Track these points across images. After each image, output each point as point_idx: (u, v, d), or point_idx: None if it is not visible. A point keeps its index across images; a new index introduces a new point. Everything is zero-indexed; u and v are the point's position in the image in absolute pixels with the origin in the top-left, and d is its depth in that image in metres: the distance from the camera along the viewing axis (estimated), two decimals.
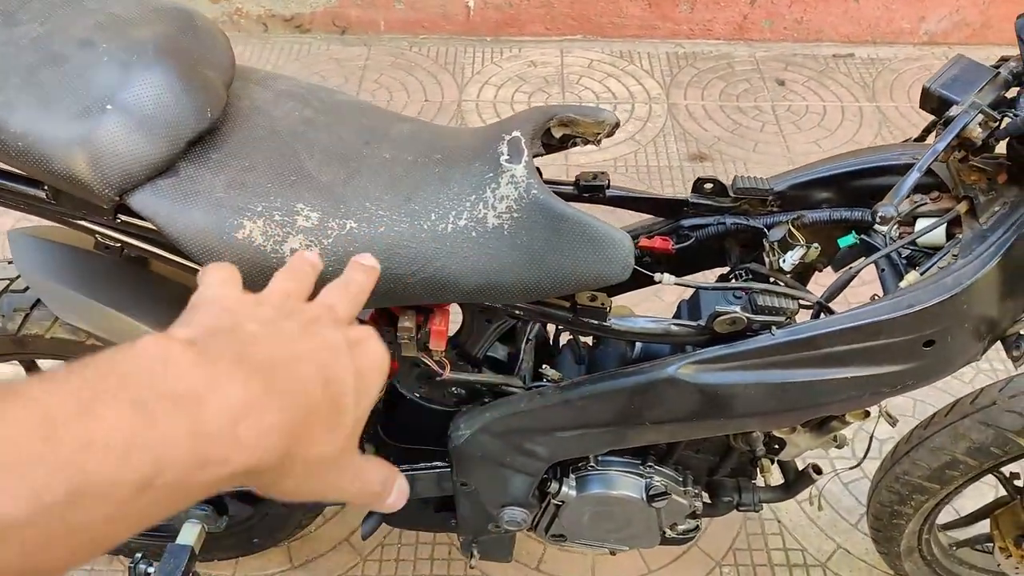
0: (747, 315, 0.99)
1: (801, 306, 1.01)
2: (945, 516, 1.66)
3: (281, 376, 0.41)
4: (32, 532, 0.31)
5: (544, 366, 1.17)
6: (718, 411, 1.04)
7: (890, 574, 1.71)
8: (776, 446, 1.22)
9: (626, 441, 1.12)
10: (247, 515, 1.54)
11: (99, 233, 1.00)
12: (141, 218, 0.93)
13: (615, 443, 1.12)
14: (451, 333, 1.11)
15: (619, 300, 1.17)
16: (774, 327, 1.00)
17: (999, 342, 1.05)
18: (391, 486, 0.52)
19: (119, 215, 0.97)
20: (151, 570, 1.23)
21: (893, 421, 1.34)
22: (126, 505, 0.34)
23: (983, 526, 1.57)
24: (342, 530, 1.78)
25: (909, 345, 0.97)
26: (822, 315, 1.03)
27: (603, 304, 1.00)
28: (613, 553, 1.46)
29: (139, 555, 1.26)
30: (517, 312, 1.02)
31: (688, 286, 1.04)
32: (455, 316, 1.06)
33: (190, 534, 1.29)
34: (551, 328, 1.35)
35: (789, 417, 1.05)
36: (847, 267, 1.05)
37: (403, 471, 1.27)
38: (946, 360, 1.00)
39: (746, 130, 2.88)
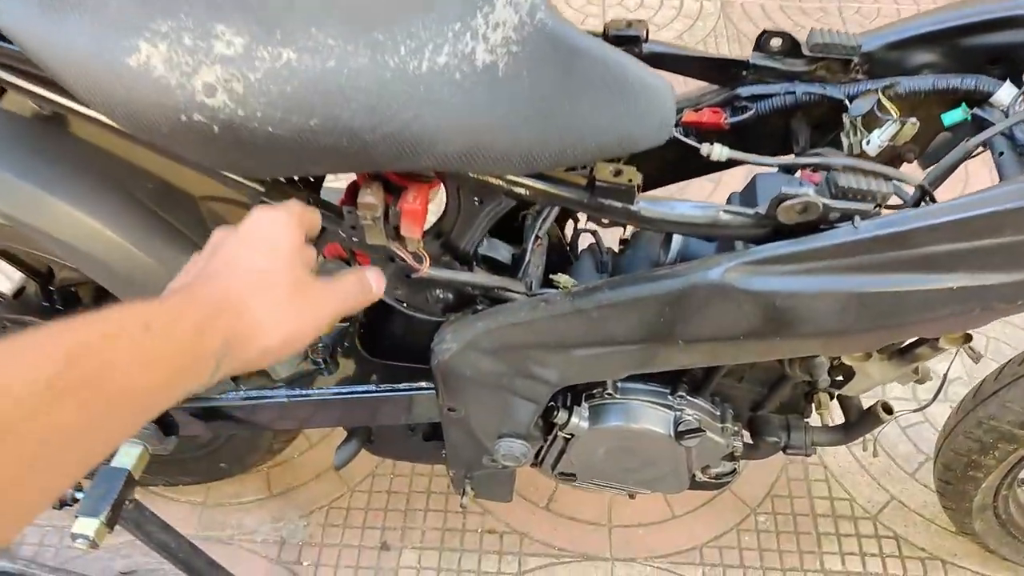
0: (823, 200, 0.74)
1: (896, 191, 0.75)
2: None
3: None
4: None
5: (557, 274, 0.93)
6: (776, 328, 0.79)
7: (950, 530, 1.48)
8: (841, 377, 0.98)
9: (653, 364, 0.88)
10: (209, 438, 1.34)
11: None
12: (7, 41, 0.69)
13: (639, 366, 0.89)
14: (436, 218, 0.88)
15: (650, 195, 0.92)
16: (858, 217, 0.75)
17: None
18: (366, 284, 0.66)
19: None
20: (79, 494, 1.04)
21: (977, 356, 1.09)
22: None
23: None
24: (328, 457, 1.57)
25: None
26: (923, 204, 0.77)
27: (631, 180, 0.75)
28: (632, 496, 1.25)
29: None
30: (515, 189, 0.77)
31: (747, 162, 0.79)
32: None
33: (128, 456, 1.09)
34: (569, 229, 1.11)
35: (869, 338, 0.80)
36: (957, 147, 0.79)
37: (384, 392, 1.07)
38: None
39: None
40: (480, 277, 0.88)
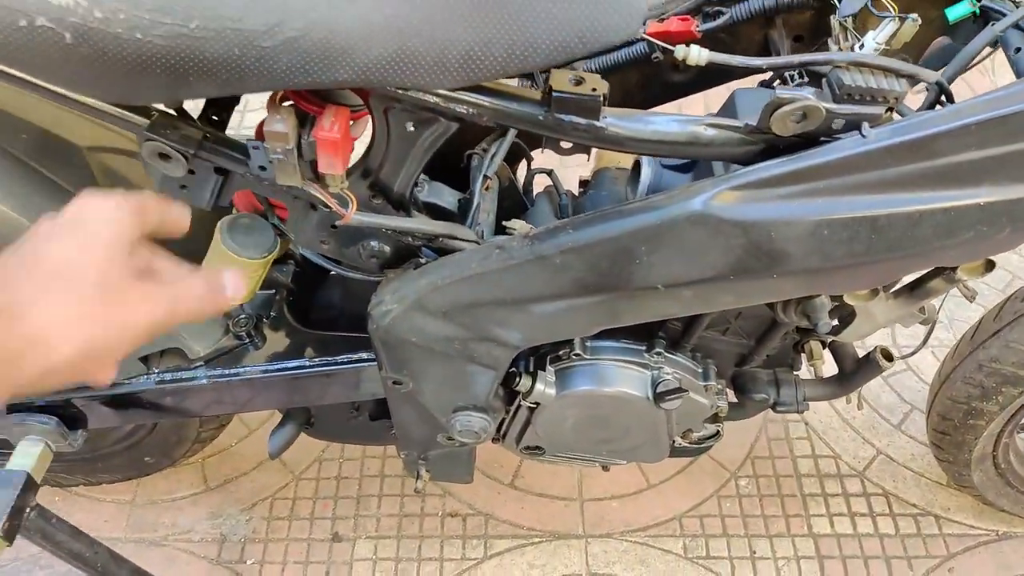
0: (826, 105, 0.61)
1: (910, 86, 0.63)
2: None
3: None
4: None
5: (511, 221, 0.80)
6: (772, 264, 0.67)
7: (941, 482, 1.40)
8: (838, 321, 0.86)
9: (629, 316, 0.76)
10: (128, 430, 1.19)
11: None
12: None
13: (612, 319, 0.76)
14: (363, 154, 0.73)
15: None
16: (866, 124, 0.62)
17: None
18: (217, 287, 0.53)
19: None
20: None
21: (971, 295, 0.98)
22: None
23: None
24: None
25: None
26: (938, 106, 0.65)
27: (594, 90, 0.62)
28: (606, 468, 1.13)
29: None
30: (455, 107, 0.63)
31: (729, 66, 0.65)
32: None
33: (26, 456, 0.94)
34: (522, 172, 0.98)
35: (881, 270, 0.68)
36: (980, 35, 0.67)
37: (319, 368, 0.93)
38: None
39: None
40: (420, 223, 0.74)
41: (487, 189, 0.84)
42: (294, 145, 0.63)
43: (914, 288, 0.80)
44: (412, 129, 0.67)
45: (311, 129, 0.63)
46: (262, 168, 0.69)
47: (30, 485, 0.92)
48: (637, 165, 0.83)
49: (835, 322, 0.86)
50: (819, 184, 0.64)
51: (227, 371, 0.93)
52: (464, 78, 0.59)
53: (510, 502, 1.38)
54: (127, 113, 0.68)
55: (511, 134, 0.84)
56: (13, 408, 0.97)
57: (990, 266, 0.74)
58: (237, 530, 1.34)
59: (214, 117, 0.73)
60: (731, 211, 0.66)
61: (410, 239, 0.76)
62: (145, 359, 0.93)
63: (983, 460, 1.20)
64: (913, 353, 1.11)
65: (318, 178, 0.68)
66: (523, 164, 0.97)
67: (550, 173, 0.95)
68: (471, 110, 0.63)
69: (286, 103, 0.64)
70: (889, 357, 0.93)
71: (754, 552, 1.33)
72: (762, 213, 0.65)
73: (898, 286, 0.82)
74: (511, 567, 1.30)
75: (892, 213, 0.64)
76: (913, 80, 0.63)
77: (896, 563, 1.32)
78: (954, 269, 0.76)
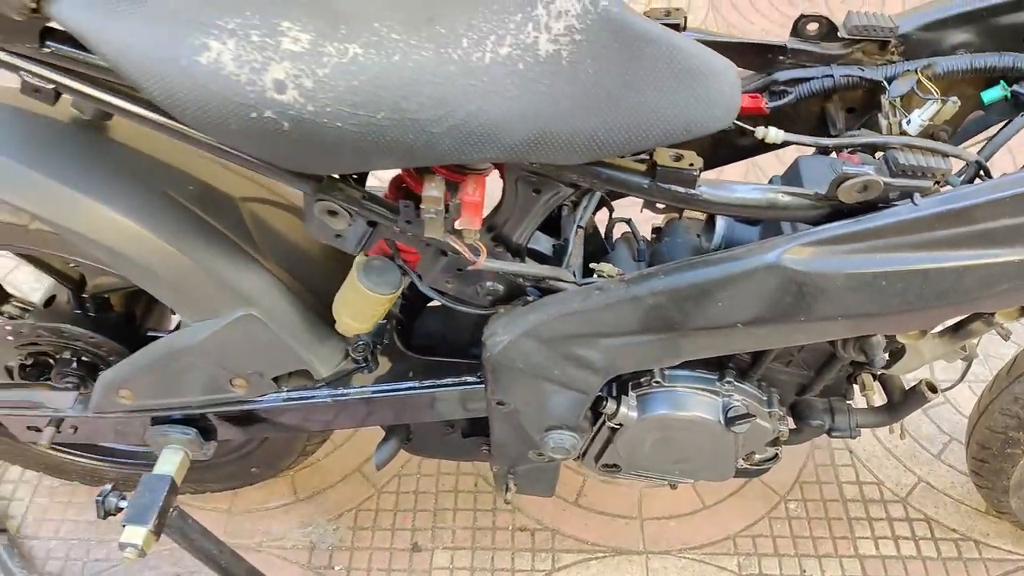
0: (884, 179, 0.74)
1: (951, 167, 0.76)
2: None
3: None
4: None
5: (599, 263, 0.93)
6: (835, 309, 0.80)
7: (980, 509, 1.50)
8: (889, 356, 0.98)
9: (708, 349, 0.89)
10: (241, 441, 1.33)
11: (24, 70, 0.75)
12: (75, 45, 0.68)
13: (694, 352, 0.89)
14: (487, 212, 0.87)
15: None
16: (918, 195, 0.75)
17: None
18: None
19: (47, 42, 0.72)
20: (123, 504, 1.03)
21: (1007, 334, 1.09)
22: None
23: None
24: (354, 459, 1.58)
25: None
26: (978, 180, 0.78)
27: (691, 164, 0.75)
28: (674, 487, 1.25)
29: (108, 487, 1.05)
30: (574, 177, 0.77)
31: (802, 143, 0.79)
32: (492, 193, 0.82)
33: (170, 463, 1.08)
34: (601, 219, 1.11)
35: (930, 315, 0.81)
36: (1005, 123, 0.80)
37: (426, 388, 1.06)
38: None
39: None
40: (533, 268, 0.88)
41: (577, 236, 0.98)
42: (443, 207, 0.77)
43: (957, 329, 0.92)
44: (535, 194, 0.81)
45: (456, 193, 0.78)
46: (408, 222, 0.83)
47: (173, 488, 1.07)
48: (711, 217, 0.97)
49: (888, 357, 0.98)
50: (877, 243, 0.77)
51: (347, 391, 1.07)
52: (586, 157, 0.72)
53: (575, 519, 1.50)
54: (299, 179, 0.82)
55: (599, 191, 0.98)
56: (157, 420, 1.11)
57: (1023, 311, 0.86)
58: (325, 538, 1.47)
59: (353, 177, 0.88)
60: (801, 264, 0.78)
61: (521, 280, 0.90)
62: (276, 379, 1.07)
63: (1020, 487, 1.29)
64: (952, 387, 1.22)
65: (454, 231, 0.82)
66: (603, 211, 1.10)
67: (628, 222, 1.08)
68: (588, 180, 0.77)
69: (436, 176, 0.78)
70: (934, 389, 1.04)
71: (804, 571, 1.43)
72: (828, 266, 0.78)
73: (942, 327, 0.94)
74: None
75: (940, 268, 0.76)
76: (958, 159, 0.76)
77: None
78: (993, 314, 0.88)
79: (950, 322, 0.92)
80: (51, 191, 0.89)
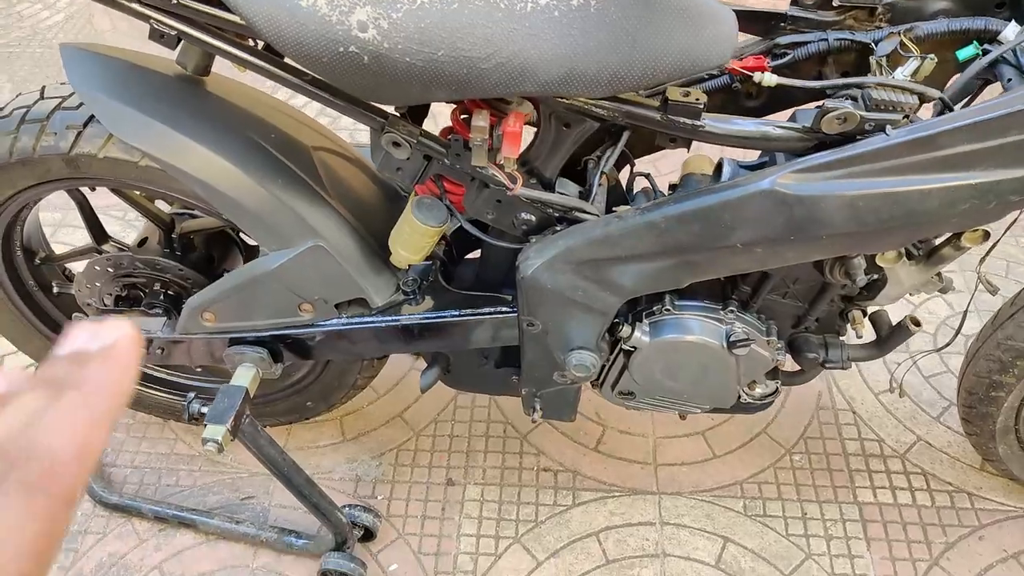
0: (860, 112, 0.89)
1: (921, 101, 0.90)
2: None
3: None
4: None
5: (619, 207, 1.08)
6: (820, 228, 0.94)
7: (975, 465, 1.61)
8: (872, 284, 1.11)
9: (713, 269, 1.03)
10: (300, 375, 1.49)
11: (153, 19, 0.93)
12: None
13: (700, 272, 1.03)
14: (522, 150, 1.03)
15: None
16: (889, 127, 0.89)
17: None
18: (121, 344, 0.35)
19: None
20: (204, 409, 1.19)
21: (994, 289, 1.22)
22: None
23: None
24: (396, 406, 1.73)
25: None
26: (944, 113, 0.92)
27: (697, 100, 0.90)
28: (683, 417, 1.38)
29: (191, 394, 1.21)
30: (599, 111, 0.92)
31: (793, 86, 0.94)
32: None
33: (244, 376, 1.24)
34: (624, 177, 1.26)
35: (901, 234, 0.94)
36: (971, 66, 0.94)
37: (465, 317, 1.21)
38: None
39: None
40: (562, 198, 1.03)
41: (601, 183, 1.13)
42: (487, 135, 0.93)
43: (930, 255, 1.05)
44: (565, 128, 0.96)
45: (499, 126, 0.93)
46: (457, 155, 0.99)
47: (247, 397, 1.22)
48: (719, 166, 1.11)
49: (870, 279, 1.09)
50: (855, 169, 0.91)
51: (397, 318, 1.23)
52: (610, 91, 0.88)
53: (594, 463, 1.63)
54: (370, 113, 0.98)
55: (621, 142, 1.12)
56: (234, 341, 1.27)
57: (986, 236, 0.99)
58: (369, 472, 1.62)
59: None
60: (791, 188, 0.93)
61: (551, 211, 1.05)
62: (338, 306, 1.23)
63: (1007, 433, 1.41)
64: (946, 345, 1.36)
65: (495, 162, 0.97)
66: (626, 170, 1.25)
67: (647, 176, 1.23)
68: (610, 113, 0.92)
69: (483, 110, 0.94)
70: (917, 323, 1.17)
71: (805, 513, 1.55)
72: (813, 190, 0.92)
73: (918, 254, 1.07)
74: (595, 513, 1.55)
75: (908, 191, 0.90)
76: (923, 96, 0.90)
77: (931, 529, 1.52)
78: (959, 236, 1.01)
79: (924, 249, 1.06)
80: (160, 133, 1.06)
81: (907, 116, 0.89)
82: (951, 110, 0.91)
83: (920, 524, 1.53)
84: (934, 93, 0.90)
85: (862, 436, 1.68)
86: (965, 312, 1.35)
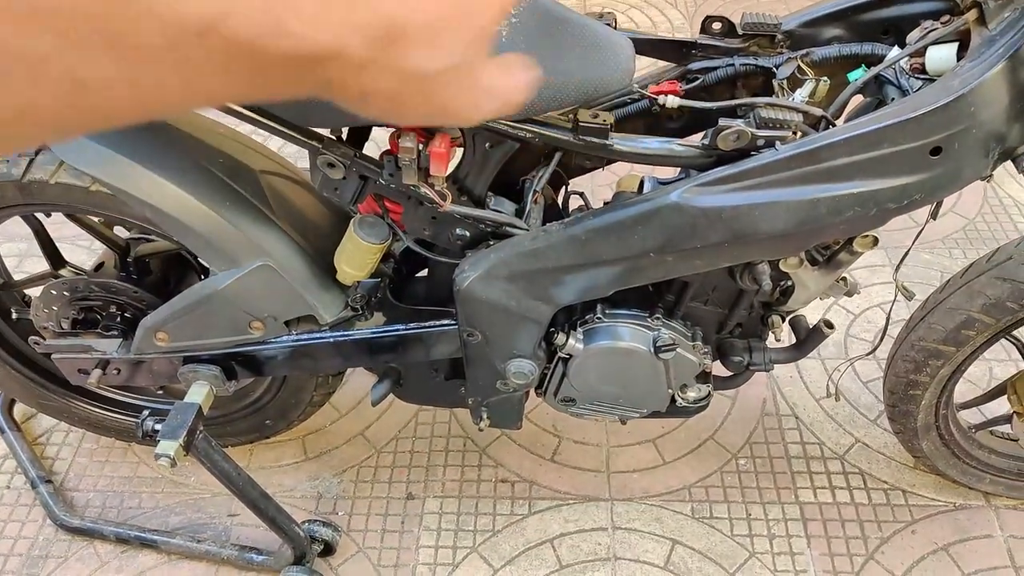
0: (751, 130, 0.97)
1: (804, 120, 0.99)
2: (963, 397, 1.64)
3: None
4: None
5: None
6: (722, 236, 1.02)
7: (908, 464, 1.69)
8: (784, 291, 1.20)
9: (632, 277, 1.11)
10: (257, 395, 1.55)
11: None
12: None
13: (621, 280, 1.11)
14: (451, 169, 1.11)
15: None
16: (778, 143, 0.98)
17: (1009, 161, 1.02)
18: (521, 83, 0.41)
19: None
20: (158, 426, 1.24)
21: (909, 295, 1.31)
22: (188, 50, 0.29)
23: (1002, 405, 1.54)
24: (357, 425, 1.79)
25: (915, 154, 0.95)
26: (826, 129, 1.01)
27: (604, 122, 0.99)
28: (623, 422, 1.45)
29: (146, 412, 1.27)
30: (518, 132, 1.01)
31: (694, 107, 1.03)
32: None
33: (198, 393, 1.30)
34: (561, 194, 1.34)
35: (795, 240, 1.03)
36: (849, 86, 1.03)
37: (412, 330, 1.28)
38: (954, 171, 0.97)
39: None
40: (491, 213, 1.11)
41: (536, 202, 1.21)
42: (416, 155, 1.01)
43: (829, 260, 1.14)
44: (488, 149, 1.05)
45: (426, 147, 1.01)
46: (391, 175, 1.07)
47: (199, 414, 1.28)
48: (642, 183, 1.20)
49: (782, 289, 1.18)
50: (749, 182, 0.99)
51: (347, 333, 1.29)
52: (524, 114, 0.96)
53: (550, 472, 1.70)
54: (305, 137, 1.06)
55: (554, 162, 1.21)
56: (188, 360, 1.33)
57: (875, 242, 1.08)
58: (331, 490, 1.67)
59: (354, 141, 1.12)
60: (695, 200, 1.01)
61: (484, 226, 1.13)
62: (288, 324, 1.30)
63: (928, 430, 1.49)
64: (871, 351, 1.45)
65: (427, 180, 1.05)
66: (562, 191, 1.34)
67: (581, 195, 1.31)
68: (527, 134, 1.00)
69: (411, 133, 1.02)
70: (830, 325, 1.26)
71: (750, 514, 1.62)
72: (714, 202, 1.01)
73: (818, 260, 1.16)
74: (550, 521, 1.61)
75: (799, 200, 0.99)
76: (808, 115, 0.99)
77: (868, 525, 1.60)
78: (851, 242, 1.10)
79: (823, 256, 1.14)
80: (109, 159, 1.13)
81: (795, 132, 0.98)
82: (832, 126, 1.00)
83: (857, 520, 1.60)
84: (817, 111, 0.99)
85: (804, 440, 1.75)
86: (887, 320, 1.44)
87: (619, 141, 1.01)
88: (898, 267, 1.29)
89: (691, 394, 1.35)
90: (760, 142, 0.99)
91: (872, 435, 1.76)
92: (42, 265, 1.42)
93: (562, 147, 1.02)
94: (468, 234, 1.15)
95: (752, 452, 1.73)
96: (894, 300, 1.51)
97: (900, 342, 1.41)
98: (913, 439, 1.52)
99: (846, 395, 1.83)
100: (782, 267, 1.11)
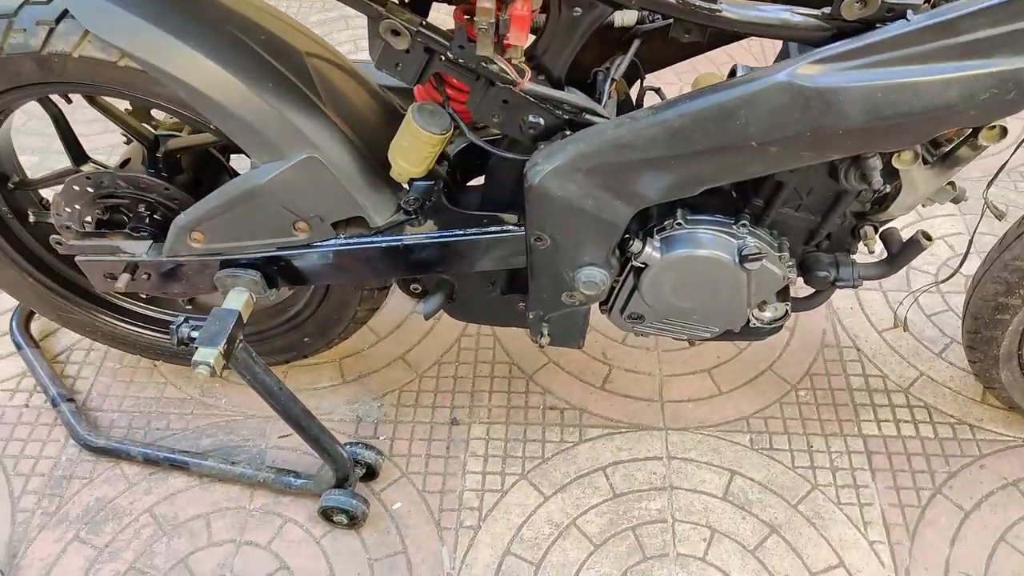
0: None
1: None
2: None
3: None
4: None
5: None
6: (838, 122, 0.91)
7: (976, 399, 1.60)
8: (882, 197, 1.09)
9: (728, 172, 1.00)
10: (297, 309, 1.45)
11: None
12: None
13: (715, 176, 1.00)
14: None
15: None
16: (910, 12, 0.86)
17: None
18: None
19: None
20: (194, 333, 1.14)
21: (1000, 214, 1.20)
22: None
23: None
24: (397, 348, 1.70)
25: None
26: None
27: None
28: (691, 343, 1.36)
29: (181, 318, 1.17)
30: None
31: None
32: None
33: (236, 300, 1.20)
34: (634, 91, 1.22)
35: (920, 128, 0.91)
36: None
37: (471, 236, 1.17)
38: None
39: None
40: (573, 96, 1.00)
41: (611, 95, 1.09)
42: (494, 20, 0.89)
43: (946, 157, 1.03)
44: (575, 18, 0.92)
45: (506, 10, 0.89)
46: (461, 47, 0.95)
47: (239, 322, 1.18)
48: (732, 73, 1.08)
49: (886, 185, 1.06)
50: (873, 58, 0.88)
51: (400, 238, 1.19)
52: None
53: (600, 400, 1.61)
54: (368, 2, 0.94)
55: (632, 50, 1.09)
56: (225, 264, 1.23)
57: (1003, 133, 0.96)
58: (371, 413, 1.58)
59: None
60: (808, 80, 0.90)
61: (560, 112, 1.01)
62: (335, 226, 1.19)
63: (1010, 359, 1.39)
64: (953, 274, 1.34)
65: (503, 53, 0.93)
66: (636, 86, 1.22)
67: (657, 91, 1.20)
68: None
69: None
70: (929, 237, 1.15)
71: (811, 446, 1.53)
72: (831, 81, 0.89)
73: (932, 159, 1.04)
74: (602, 449, 1.53)
75: (928, 80, 0.87)
76: None
77: (934, 459, 1.51)
78: (976, 135, 0.98)
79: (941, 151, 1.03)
80: (141, 30, 1.01)
81: (927, 0, 0.86)
82: None
83: (923, 455, 1.52)
84: None
85: (866, 372, 1.66)
86: (971, 240, 1.33)
87: (728, 7, 0.89)
88: (989, 185, 1.18)
89: (767, 313, 1.25)
90: (889, 11, 0.87)
91: (937, 368, 1.66)
92: (62, 163, 1.31)
93: (664, 11, 0.90)
94: (542, 122, 1.03)
95: (812, 384, 1.64)
96: (980, 219, 1.40)
97: (990, 263, 1.31)
98: (992, 368, 1.42)
99: (910, 328, 1.73)
100: (895, 163, 1.00)
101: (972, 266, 1.50)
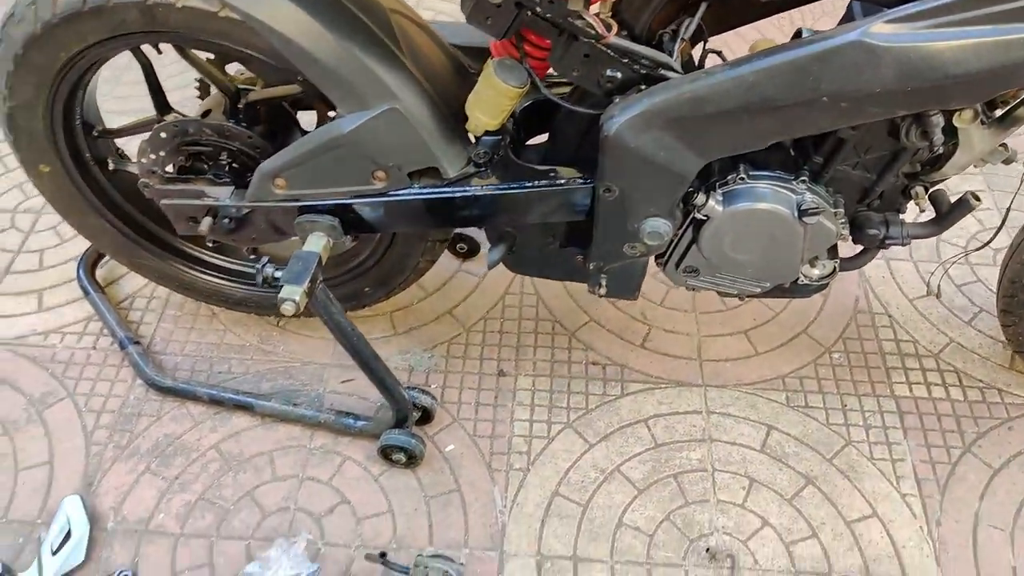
0: None
1: None
2: None
3: None
4: None
5: None
6: (907, 80, 0.97)
7: (1004, 365, 1.66)
8: (935, 159, 1.15)
9: (797, 126, 1.06)
10: (361, 258, 1.51)
11: None
12: None
13: (784, 130, 1.06)
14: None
15: None
16: None
17: None
18: None
19: None
20: (278, 273, 1.20)
21: None
22: None
23: None
24: (445, 304, 1.76)
25: None
26: None
27: None
28: (741, 298, 1.42)
29: (265, 258, 1.23)
30: None
31: None
32: None
33: (315, 244, 1.26)
34: (696, 53, 1.27)
35: (987, 86, 0.97)
36: None
37: (540, 187, 1.23)
38: None
39: None
40: (653, 52, 1.05)
41: (681, 51, 1.15)
42: None
43: (1003, 119, 1.09)
44: None
45: None
46: (551, 2, 1.01)
47: (320, 263, 1.24)
48: (798, 34, 1.13)
49: (943, 149, 1.12)
50: (946, 18, 0.93)
51: (472, 188, 1.25)
52: None
53: (641, 357, 1.67)
54: None
55: (699, 12, 1.15)
56: (304, 209, 1.29)
57: None
58: (422, 363, 1.65)
59: None
60: (879, 39, 0.95)
61: (638, 67, 1.07)
62: (410, 176, 1.25)
63: None
64: (992, 238, 1.40)
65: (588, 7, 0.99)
66: (699, 48, 1.27)
67: (719, 54, 1.25)
68: None
69: None
70: (977, 198, 1.21)
71: (845, 405, 1.60)
72: (902, 40, 0.95)
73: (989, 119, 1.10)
74: (644, 403, 1.59)
75: (998, 40, 0.93)
76: None
77: (964, 420, 1.58)
78: None
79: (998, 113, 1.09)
80: None
81: None
82: None
83: (953, 415, 1.59)
84: None
85: (898, 337, 1.73)
86: (1008, 209, 1.40)
87: None
88: None
89: (816, 271, 1.31)
90: None
91: (967, 336, 1.73)
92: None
93: None
94: (620, 76, 1.09)
95: (846, 347, 1.71)
96: (1019, 187, 1.46)
97: None
98: None
99: (940, 296, 1.80)
100: (955, 122, 1.06)
101: (1001, 240, 1.57)
